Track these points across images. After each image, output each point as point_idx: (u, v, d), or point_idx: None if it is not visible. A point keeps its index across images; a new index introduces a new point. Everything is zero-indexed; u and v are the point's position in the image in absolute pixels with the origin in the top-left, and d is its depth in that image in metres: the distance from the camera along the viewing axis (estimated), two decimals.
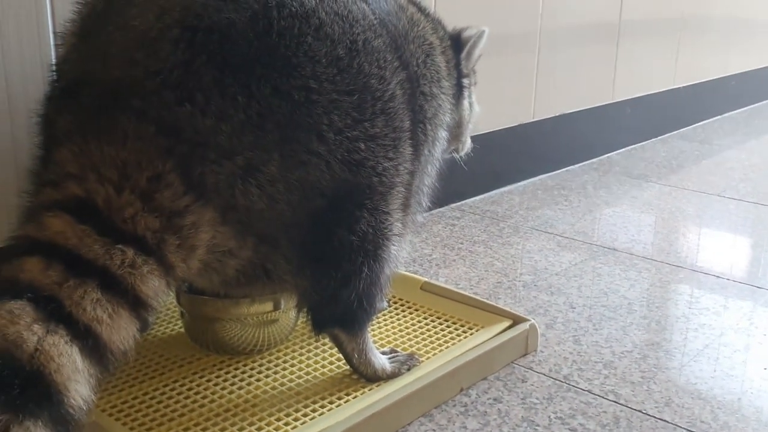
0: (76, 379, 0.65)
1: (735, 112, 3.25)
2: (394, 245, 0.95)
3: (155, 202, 0.75)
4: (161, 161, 0.76)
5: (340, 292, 0.91)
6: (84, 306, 0.68)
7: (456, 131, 1.16)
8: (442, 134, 1.06)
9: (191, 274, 0.81)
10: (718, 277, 1.48)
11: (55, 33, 1.05)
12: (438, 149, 1.06)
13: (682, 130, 2.87)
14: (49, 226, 0.72)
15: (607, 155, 2.47)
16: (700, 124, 2.99)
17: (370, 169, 0.87)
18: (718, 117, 3.12)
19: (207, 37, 0.78)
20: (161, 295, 0.75)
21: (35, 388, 0.62)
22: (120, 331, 0.70)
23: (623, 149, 2.55)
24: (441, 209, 1.86)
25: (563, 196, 2.01)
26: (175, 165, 0.76)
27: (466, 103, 1.16)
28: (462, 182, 1.90)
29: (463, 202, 1.93)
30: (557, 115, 2.18)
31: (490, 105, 1.92)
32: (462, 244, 1.63)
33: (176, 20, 0.78)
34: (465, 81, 1.15)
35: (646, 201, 1.99)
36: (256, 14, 0.80)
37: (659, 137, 2.74)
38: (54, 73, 0.85)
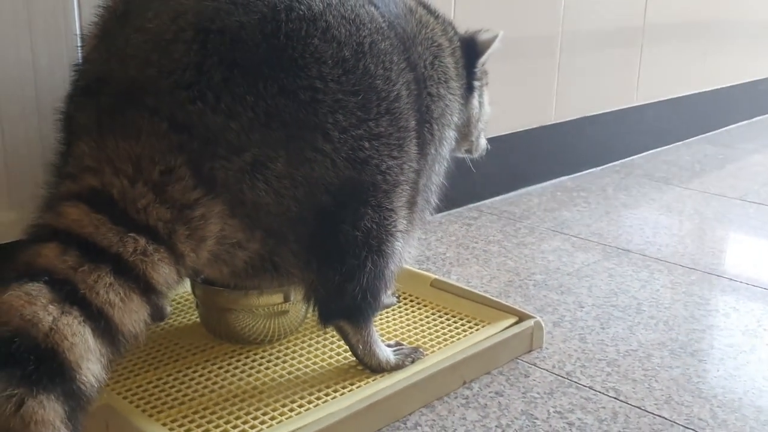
0: (88, 358, 0.69)
1: (763, 116, 3.23)
2: (398, 241, 0.98)
3: (167, 194, 0.79)
4: (173, 156, 0.80)
5: (345, 285, 0.94)
6: (97, 290, 0.72)
7: (465, 130, 1.19)
8: (450, 134, 1.09)
9: (201, 264, 0.85)
10: (731, 279, 1.49)
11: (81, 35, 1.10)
12: (446, 149, 1.09)
13: (707, 134, 2.87)
14: (66, 214, 0.76)
15: (630, 158, 2.48)
16: (726, 128, 2.98)
17: (375, 167, 0.91)
18: (746, 122, 3.11)
19: (218, 39, 0.82)
20: (171, 283, 0.79)
21: (49, 364, 0.66)
22: (131, 314, 0.74)
23: (647, 152, 2.55)
24: (459, 209, 1.89)
25: (582, 198, 2.02)
26: (186, 160, 0.80)
27: (475, 102, 1.18)
28: (481, 183, 1.92)
29: (481, 202, 1.95)
30: (578, 117, 2.19)
31: (510, 107, 1.95)
32: (477, 243, 1.66)
33: (190, 23, 0.82)
34: (475, 83, 1.18)
35: (664, 204, 2.00)
36: (265, 17, 0.83)
37: (684, 141, 2.74)
38: (75, 72, 0.90)
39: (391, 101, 0.92)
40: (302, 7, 0.86)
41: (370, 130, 0.90)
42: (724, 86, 2.88)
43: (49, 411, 0.64)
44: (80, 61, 0.92)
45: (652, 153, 2.56)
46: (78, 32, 1.10)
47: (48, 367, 0.66)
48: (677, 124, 2.69)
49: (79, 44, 0.98)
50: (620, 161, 2.43)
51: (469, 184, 1.87)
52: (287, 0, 0.85)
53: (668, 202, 2.02)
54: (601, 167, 2.35)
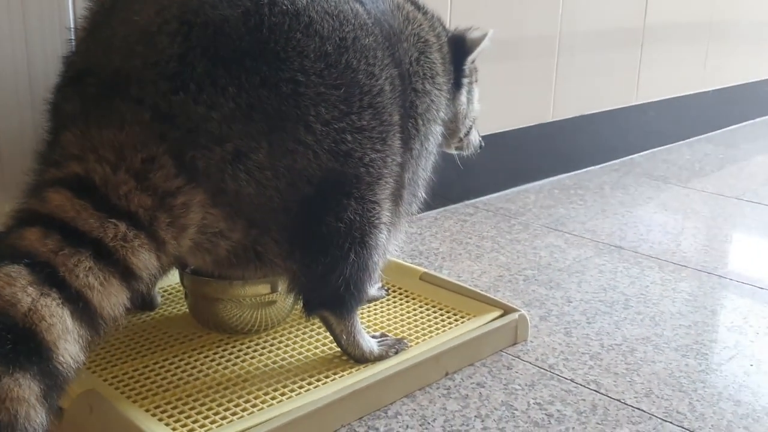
0: (66, 339, 0.71)
1: (765, 117, 3.22)
2: (382, 233, 0.99)
3: (149, 181, 0.81)
4: (155, 145, 0.82)
5: (328, 276, 0.96)
6: (77, 273, 0.74)
7: (453, 126, 1.20)
8: (436, 129, 1.11)
9: (183, 251, 0.87)
10: (720, 276, 1.50)
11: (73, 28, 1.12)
12: (432, 144, 1.11)
13: (709, 134, 2.87)
14: (50, 200, 0.78)
15: (629, 157, 2.48)
16: (728, 128, 2.98)
17: (357, 160, 0.92)
18: (748, 122, 3.10)
19: (202, 31, 0.84)
20: (152, 269, 0.81)
21: (26, 344, 0.68)
22: (110, 297, 0.76)
23: (647, 151, 2.56)
24: (455, 205, 1.90)
25: (579, 196, 2.03)
26: (168, 149, 0.82)
27: (463, 98, 1.20)
28: (478, 180, 1.94)
29: (478, 199, 1.97)
30: (576, 116, 2.20)
31: (508, 104, 1.96)
32: (470, 239, 1.67)
33: (174, 15, 0.84)
34: (464, 79, 1.19)
35: (661, 202, 2.01)
36: (249, 11, 0.85)
37: (685, 140, 2.74)
38: (64, 64, 0.92)
39: (373, 95, 0.93)
40: (286, 2, 0.87)
41: (353, 123, 0.91)
42: (726, 86, 2.88)
43: (25, 389, 0.65)
44: (68, 52, 0.94)
45: (652, 152, 2.56)
46: (71, 26, 1.12)
47: (25, 347, 0.67)
48: (678, 123, 2.69)
49: (71, 37, 1.00)
50: (620, 160, 2.44)
51: (467, 181, 1.88)
52: None
53: (665, 200, 2.03)
54: (600, 165, 2.36)
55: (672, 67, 2.56)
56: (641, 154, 2.53)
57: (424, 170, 1.12)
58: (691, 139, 2.76)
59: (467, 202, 1.94)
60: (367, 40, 0.94)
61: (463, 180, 1.86)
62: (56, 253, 0.74)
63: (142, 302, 1.16)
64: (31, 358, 0.67)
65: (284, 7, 0.87)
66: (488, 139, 1.85)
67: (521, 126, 2.02)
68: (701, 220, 1.87)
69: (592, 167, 2.33)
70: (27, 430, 0.65)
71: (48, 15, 1.12)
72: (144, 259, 0.80)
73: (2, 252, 0.73)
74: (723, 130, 2.95)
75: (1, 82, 1.10)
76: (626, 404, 1.04)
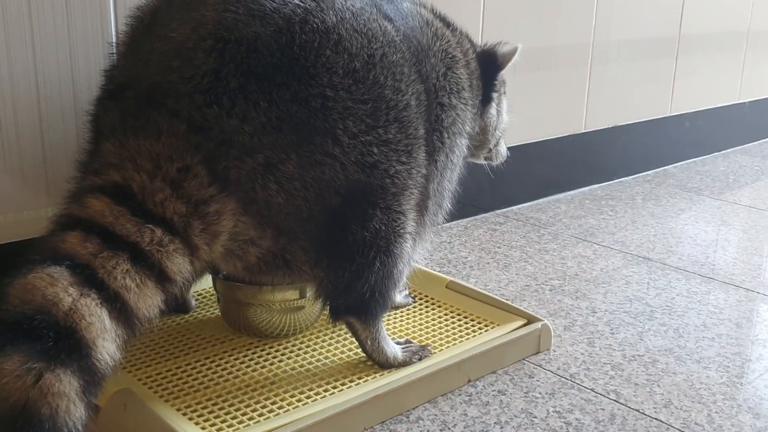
0: (104, 337, 0.75)
1: None
2: (407, 243, 1.03)
3: (183, 189, 0.85)
4: (190, 155, 0.86)
5: (354, 283, 0.99)
6: (115, 275, 0.78)
7: (482, 138, 1.23)
8: (462, 142, 1.14)
9: (215, 257, 0.91)
10: (747, 290, 1.50)
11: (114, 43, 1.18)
12: (457, 156, 1.13)
13: (745, 145, 2.85)
14: (89, 205, 0.83)
15: (663, 168, 2.48)
16: (765, 140, 2.95)
17: (383, 172, 0.96)
18: None
19: (235, 48, 0.88)
20: (185, 273, 0.85)
21: (67, 341, 0.72)
22: (146, 299, 0.80)
23: (681, 162, 2.56)
24: (485, 214, 1.92)
25: (610, 207, 2.04)
26: (202, 159, 0.86)
27: (493, 111, 1.23)
28: (510, 189, 1.96)
29: (509, 208, 1.99)
30: (609, 126, 2.21)
31: (540, 115, 1.98)
32: (499, 248, 1.69)
33: (210, 33, 0.88)
34: (493, 94, 1.22)
35: (692, 214, 2.01)
36: (281, 29, 0.89)
37: (721, 152, 2.73)
38: (105, 77, 0.97)
39: (400, 110, 0.97)
40: (316, 20, 0.91)
41: (379, 136, 0.95)
42: (763, 97, 2.86)
43: (65, 384, 0.70)
44: (109, 67, 0.99)
45: (686, 163, 2.56)
46: (113, 40, 1.17)
47: (66, 344, 0.71)
48: (714, 134, 2.68)
49: (112, 51, 1.05)
50: (653, 171, 2.44)
51: (498, 190, 1.91)
52: (302, 13, 0.91)
53: (697, 212, 2.03)
54: (633, 176, 2.37)
55: (708, 77, 2.56)
56: (675, 165, 2.53)
57: (449, 182, 1.15)
58: (726, 151, 2.75)
59: (498, 211, 1.96)
60: (395, 56, 0.98)
61: (494, 189, 1.88)
62: (95, 256, 0.78)
63: (177, 305, 1.20)
64: (71, 354, 0.71)
65: (314, 25, 0.91)
66: (521, 149, 1.87)
67: (554, 136, 2.04)
68: (732, 233, 1.87)
69: (625, 178, 2.34)
70: (67, 424, 0.69)
71: (91, 31, 1.18)
72: (178, 264, 0.84)
73: (44, 254, 0.78)
74: (760, 141, 2.93)
75: (47, 95, 1.16)
76: (645, 414, 1.06)
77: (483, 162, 1.34)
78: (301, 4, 0.91)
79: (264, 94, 0.88)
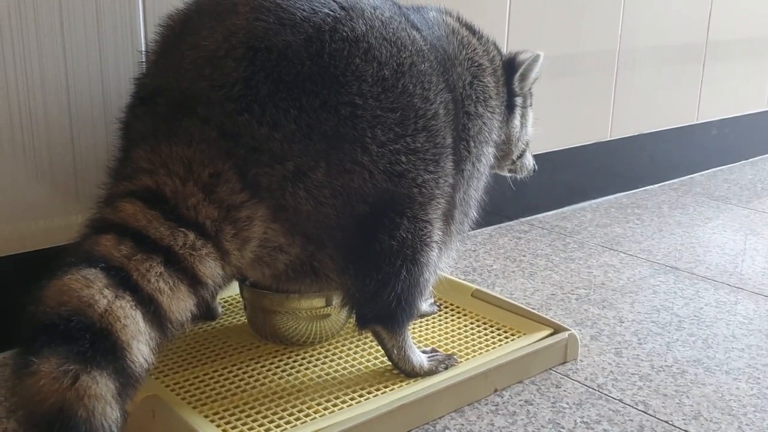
0: (139, 339, 0.76)
1: None
2: (433, 251, 1.02)
3: (215, 194, 0.86)
4: (221, 161, 0.87)
5: (380, 291, 0.99)
6: (149, 278, 0.79)
7: (505, 149, 1.23)
8: (489, 150, 1.13)
9: (245, 263, 0.91)
10: None
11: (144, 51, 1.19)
12: (483, 165, 1.13)
13: None
14: (123, 209, 0.83)
15: (689, 176, 2.46)
16: None
17: (411, 181, 0.96)
18: None
19: (266, 56, 0.88)
20: (216, 277, 0.86)
21: (103, 343, 0.72)
22: (179, 302, 0.81)
23: (708, 170, 2.53)
24: (510, 222, 1.92)
25: (636, 215, 2.03)
26: (233, 165, 0.87)
27: (516, 121, 1.22)
28: (535, 197, 1.95)
29: (534, 216, 1.98)
30: (635, 134, 2.20)
31: (566, 122, 1.98)
32: (524, 256, 1.69)
33: (241, 41, 0.89)
34: (517, 100, 1.22)
35: (720, 223, 1.99)
36: (311, 38, 0.90)
37: (749, 160, 2.71)
38: (135, 85, 0.98)
39: (428, 119, 0.97)
40: (346, 29, 0.92)
41: (408, 145, 0.95)
42: None
43: (102, 386, 0.70)
44: (140, 74, 1.00)
45: (713, 171, 2.54)
46: (143, 49, 1.18)
47: (101, 346, 0.72)
48: (741, 142, 2.66)
49: (142, 60, 1.06)
50: (679, 179, 2.42)
51: (523, 198, 1.90)
52: (332, 22, 0.91)
53: (724, 221, 2.01)
54: (659, 184, 2.35)
55: (735, 84, 2.53)
56: (702, 173, 2.51)
57: (475, 191, 1.14)
58: (754, 159, 2.72)
59: (523, 219, 1.95)
60: (423, 65, 0.98)
61: (519, 197, 1.87)
62: (129, 259, 0.79)
63: (204, 312, 1.21)
64: (107, 356, 0.72)
65: (344, 34, 0.91)
66: (546, 157, 1.86)
67: (579, 144, 2.03)
68: (761, 242, 1.85)
69: (651, 186, 2.32)
70: (103, 426, 0.69)
71: (121, 40, 1.19)
72: (210, 267, 0.84)
73: (79, 256, 0.78)
74: None
75: (78, 102, 1.17)
76: (674, 426, 1.05)
77: (507, 174, 1.33)
78: (331, 13, 0.91)
79: (294, 102, 0.88)
